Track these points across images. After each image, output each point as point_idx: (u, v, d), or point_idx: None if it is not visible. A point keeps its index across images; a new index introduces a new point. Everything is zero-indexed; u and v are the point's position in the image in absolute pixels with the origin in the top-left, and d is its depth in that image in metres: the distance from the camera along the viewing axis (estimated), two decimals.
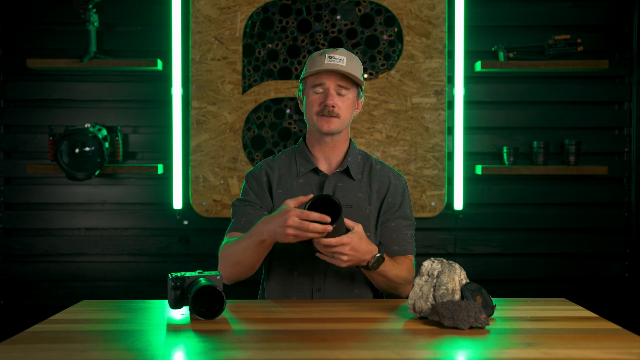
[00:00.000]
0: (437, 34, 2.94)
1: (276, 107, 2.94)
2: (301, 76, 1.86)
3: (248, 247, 1.68)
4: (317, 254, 1.63)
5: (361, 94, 1.87)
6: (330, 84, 1.78)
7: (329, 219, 1.52)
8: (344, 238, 1.57)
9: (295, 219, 1.54)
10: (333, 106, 1.77)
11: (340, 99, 1.79)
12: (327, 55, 1.77)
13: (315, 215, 1.52)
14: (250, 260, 1.71)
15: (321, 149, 1.86)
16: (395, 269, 1.74)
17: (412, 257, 1.86)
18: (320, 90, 1.80)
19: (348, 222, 1.64)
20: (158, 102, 3.00)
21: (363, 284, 1.83)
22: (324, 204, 1.55)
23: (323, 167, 1.88)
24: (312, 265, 1.81)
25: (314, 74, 1.79)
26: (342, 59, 1.77)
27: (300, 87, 1.89)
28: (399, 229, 1.85)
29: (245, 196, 1.87)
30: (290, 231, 1.55)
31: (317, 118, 1.80)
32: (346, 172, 1.87)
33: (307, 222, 1.53)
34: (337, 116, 1.78)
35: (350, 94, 1.81)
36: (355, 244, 1.59)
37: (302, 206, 1.57)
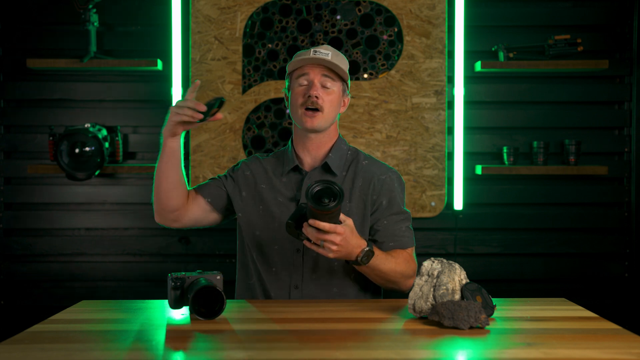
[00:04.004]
0: (437, 34, 2.94)
1: (276, 107, 2.94)
2: (286, 72, 1.85)
3: (160, 161, 1.73)
4: (305, 242, 1.58)
5: (347, 91, 1.85)
6: (315, 75, 1.77)
7: (204, 108, 1.61)
8: (338, 227, 1.53)
9: (178, 102, 1.64)
10: (317, 97, 1.75)
11: (324, 92, 1.77)
12: (312, 50, 1.77)
13: (201, 106, 1.60)
14: (165, 176, 1.73)
15: (306, 147, 1.84)
16: (389, 262, 1.70)
17: (411, 250, 1.82)
18: (304, 82, 1.78)
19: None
20: (158, 102, 3.00)
21: (342, 282, 1.80)
22: (325, 194, 1.50)
23: (308, 166, 1.86)
24: (291, 262, 1.79)
25: (298, 66, 1.79)
26: (328, 53, 1.76)
27: (287, 84, 1.87)
28: (393, 225, 1.81)
29: (223, 175, 1.91)
30: (172, 110, 1.64)
31: (301, 112, 1.77)
32: (326, 167, 1.83)
33: (182, 102, 1.63)
34: (321, 109, 1.76)
35: (335, 88, 1.79)
36: (347, 235, 1.56)
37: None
